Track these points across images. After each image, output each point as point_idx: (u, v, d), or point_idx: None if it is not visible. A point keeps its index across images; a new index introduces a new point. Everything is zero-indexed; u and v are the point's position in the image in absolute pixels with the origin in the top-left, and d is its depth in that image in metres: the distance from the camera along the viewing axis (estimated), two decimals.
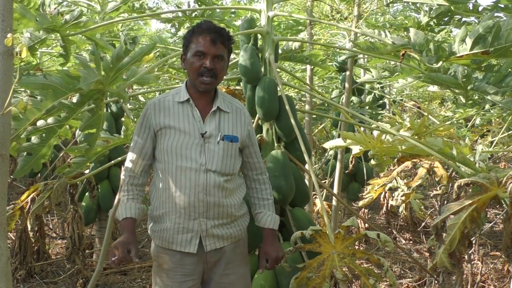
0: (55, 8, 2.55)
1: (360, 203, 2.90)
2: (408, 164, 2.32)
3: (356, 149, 2.43)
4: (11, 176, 5.38)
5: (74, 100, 1.80)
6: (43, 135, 1.89)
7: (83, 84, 1.61)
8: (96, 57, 1.70)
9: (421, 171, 2.33)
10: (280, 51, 2.79)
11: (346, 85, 3.53)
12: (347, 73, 3.54)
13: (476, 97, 2.19)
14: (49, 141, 1.90)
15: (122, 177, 1.75)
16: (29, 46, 2.12)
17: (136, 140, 1.65)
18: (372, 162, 2.60)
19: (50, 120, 1.86)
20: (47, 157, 2.05)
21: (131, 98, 4.60)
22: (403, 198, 2.65)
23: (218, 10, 2.97)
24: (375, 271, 1.69)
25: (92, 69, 1.68)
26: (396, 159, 2.42)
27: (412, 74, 1.98)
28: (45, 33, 2.13)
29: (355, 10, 3.16)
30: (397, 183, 3.36)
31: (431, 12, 2.38)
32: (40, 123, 1.85)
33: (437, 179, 2.29)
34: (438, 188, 2.58)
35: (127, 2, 2.74)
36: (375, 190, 2.64)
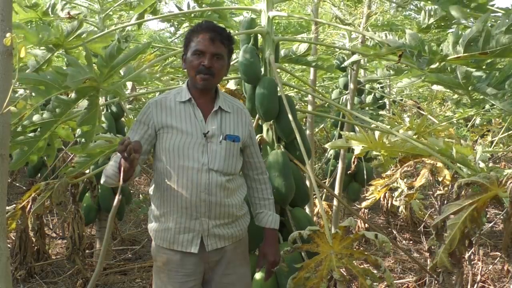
0: (67, 13, 2.53)
1: (363, 204, 2.89)
2: (410, 164, 2.31)
3: (358, 149, 2.42)
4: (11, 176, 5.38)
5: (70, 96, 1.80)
6: (39, 129, 1.90)
7: (69, 82, 1.61)
8: (88, 54, 1.70)
9: (424, 172, 2.32)
10: (284, 53, 2.77)
11: (351, 86, 3.52)
12: (353, 73, 3.53)
13: (480, 97, 2.18)
14: (44, 136, 1.90)
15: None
16: (36, 68, 2.12)
17: (133, 136, 1.63)
18: (375, 162, 2.59)
19: (45, 115, 1.87)
20: (51, 157, 2.05)
21: (134, 99, 4.60)
22: (406, 199, 2.64)
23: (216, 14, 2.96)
24: (373, 271, 1.69)
25: (82, 67, 1.68)
26: (398, 159, 2.42)
27: (420, 73, 1.97)
28: (51, 50, 2.12)
29: (365, 11, 3.15)
30: (397, 183, 3.35)
31: (431, 14, 2.37)
32: (35, 117, 1.86)
33: (440, 179, 2.29)
34: (440, 188, 2.57)
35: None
36: (378, 191, 2.63)
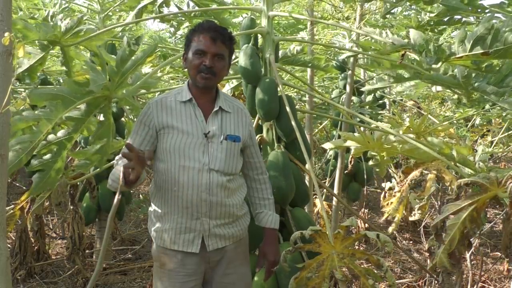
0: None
1: (390, 229, 2.78)
2: (416, 173, 2.30)
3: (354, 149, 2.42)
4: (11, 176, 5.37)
5: (82, 109, 1.78)
6: (55, 149, 1.86)
7: (93, 86, 1.60)
8: (101, 60, 1.69)
9: (430, 181, 2.29)
10: (281, 55, 2.77)
11: (347, 85, 3.52)
12: (349, 72, 3.54)
13: (478, 96, 2.18)
14: (61, 155, 1.86)
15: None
16: (30, 66, 2.09)
17: (135, 137, 1.62)
18: (372, 161, 2.59)
19: (60, 133, 1.84)
20: (61, 172, 2.02)
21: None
22: (420, 211, 2.60)
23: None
24: (375, 271, 1.69)
25: (100, 72, 1.67)
26: (401, 170, 2.40)
27: (421, 77, 1.97)
28: (45, 48, 2.10)
29: (358, 10, 3.15)
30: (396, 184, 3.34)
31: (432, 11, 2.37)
32: (50, 137, 1.83)
33: (447, 184, 2.27)
34: (450, 192, 2.55)
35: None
36: (396, 210, 2.56)
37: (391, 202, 2.46)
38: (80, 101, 1.70)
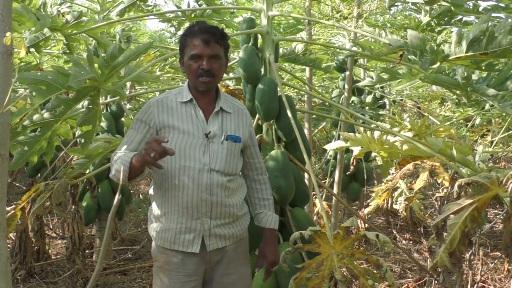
0: (58, 11, 2.55)
1: (366, 210, 2.88)
2: (409, 167, 2.31)
3: (357, 151, 2.42)
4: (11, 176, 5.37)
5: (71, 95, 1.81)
6: (39, 129, 1.89)
7: (72, 82, 1.61)
8: (89, 55, 1.70)
9: (423, 174, 2.31)
10: (282, 52, 2.77)
11: (346, 85, 3.53)
12: (347, 73, 3.54)
13: (478, 98, 2.18)
14: (45, 136, 1.89)
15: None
16: (33, 44, 2.13)
17: (135, 135, 1.62)
18: (375, 163, 2.59)
19: (46, 115, 1.86)
20: (49, 155, 2.05)
21: (132, 98, 4.60)
22: (406, 202, 2.64)
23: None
24: (374, 271, 1.69)
25: (84, 67, 1.68)
26: (397, 162, 2.41)
27: (415, 77, 1.97)
28: (49, 31, 2.14)
29: (355, 10, 3.16)
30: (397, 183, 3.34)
31: (432, 12, 2.37)
32: (36, 117, 1.85)
33: (439, 181, 2.28)
34: (440, 190, 2.57)
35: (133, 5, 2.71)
36: (379, 196, 2.62)
37: (381, 189, 2.48)
38: (63, 91, 1.71)
